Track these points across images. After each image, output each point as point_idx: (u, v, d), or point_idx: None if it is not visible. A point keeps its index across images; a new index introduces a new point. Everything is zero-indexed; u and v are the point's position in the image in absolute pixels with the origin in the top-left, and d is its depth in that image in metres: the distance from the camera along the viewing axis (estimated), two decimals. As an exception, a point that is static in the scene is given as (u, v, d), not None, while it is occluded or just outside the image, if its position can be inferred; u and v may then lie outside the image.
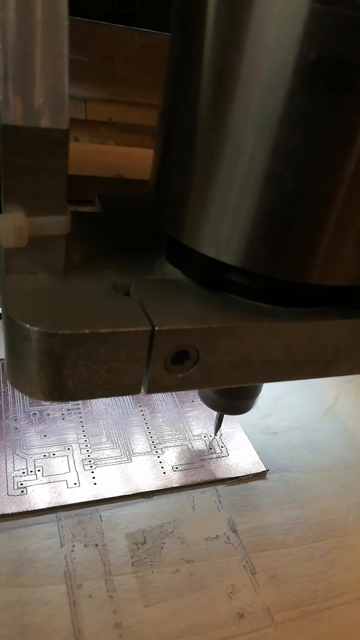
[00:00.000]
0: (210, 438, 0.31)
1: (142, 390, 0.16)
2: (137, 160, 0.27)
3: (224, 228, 0.15)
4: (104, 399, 0.33)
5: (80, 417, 0.31)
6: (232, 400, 0.26)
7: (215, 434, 0.32)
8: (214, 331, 0.15)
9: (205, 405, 0.33)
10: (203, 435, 0.31)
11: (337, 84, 0.12)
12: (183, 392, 0.35)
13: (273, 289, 0.17)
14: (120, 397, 0.33)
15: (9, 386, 0.32)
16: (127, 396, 0.33)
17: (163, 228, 0.17)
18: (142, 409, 0.33)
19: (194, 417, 0.33)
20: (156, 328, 0.14)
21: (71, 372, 0.15)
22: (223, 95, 0.13)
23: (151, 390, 0.16)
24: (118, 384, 0.15)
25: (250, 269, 0.15)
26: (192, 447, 0.30)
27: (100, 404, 0.32)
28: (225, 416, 0.33)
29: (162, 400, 0.34)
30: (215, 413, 0.31)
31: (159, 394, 0.34)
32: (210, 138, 0.14)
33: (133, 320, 0.15)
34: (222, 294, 0.17)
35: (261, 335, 0.16)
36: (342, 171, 0.13)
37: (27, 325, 0.14)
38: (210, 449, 0.30)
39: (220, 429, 0.32)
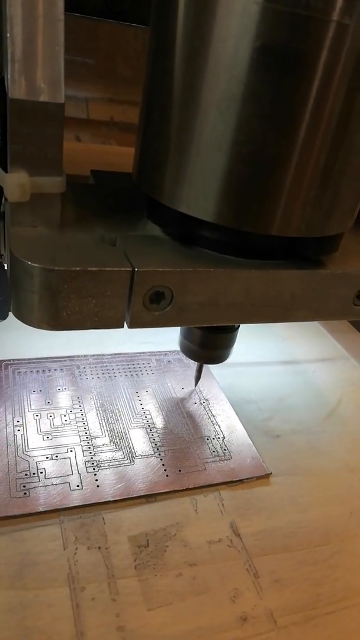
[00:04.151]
0: (206, 422, 0.31)
1: (125, 325, 0.19)
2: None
3: (193, 187, 0.18)
4: (105, 401, 0.33)
5: (82, 419, 0.31)
6: (210, 350, 0.29)
7: (196, 385, 0.35)
8: (184, 274, 0.18)
9: (207, 407, 0.34)
10: (206, 438, 0.31)
11: (278, 66, 0.15)
12: (185, 394, 0.35)
13: (237, 242, 0.19)
14: (123, 399, 0.33)
15: (11, 388, 0.32)
16: (129, 397, 0.33)
17: (144, 190, 0.19)
18: (145, 410, 0.33)
19: (196, 420, 0.33)
20: (136, 269, 0.17)
21: (65, 303, 0.17)
22: (190, 76, 0.16)
23: (132, 324, 0.18)
24: (104, 316, 0.18)
25: (215, 222, 0.18)
26: (195, 449, 0.30)
27: (103, 405, 0.32)
28: (228, 419, 0.33)
29: (165, 401, 0.34)
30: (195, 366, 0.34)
31: (161, 395, 0.34)
32: (181, 112, 0.17)
33: (117, 262, 0.18)
34: (194, 247, 0.20)
35: (224, 280, 0.19)
36: (286, 137, 0.16)
37: (29, 263, 0.16)
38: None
39: (222, 431, 0.32)
